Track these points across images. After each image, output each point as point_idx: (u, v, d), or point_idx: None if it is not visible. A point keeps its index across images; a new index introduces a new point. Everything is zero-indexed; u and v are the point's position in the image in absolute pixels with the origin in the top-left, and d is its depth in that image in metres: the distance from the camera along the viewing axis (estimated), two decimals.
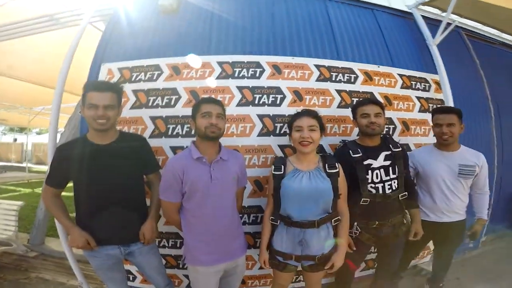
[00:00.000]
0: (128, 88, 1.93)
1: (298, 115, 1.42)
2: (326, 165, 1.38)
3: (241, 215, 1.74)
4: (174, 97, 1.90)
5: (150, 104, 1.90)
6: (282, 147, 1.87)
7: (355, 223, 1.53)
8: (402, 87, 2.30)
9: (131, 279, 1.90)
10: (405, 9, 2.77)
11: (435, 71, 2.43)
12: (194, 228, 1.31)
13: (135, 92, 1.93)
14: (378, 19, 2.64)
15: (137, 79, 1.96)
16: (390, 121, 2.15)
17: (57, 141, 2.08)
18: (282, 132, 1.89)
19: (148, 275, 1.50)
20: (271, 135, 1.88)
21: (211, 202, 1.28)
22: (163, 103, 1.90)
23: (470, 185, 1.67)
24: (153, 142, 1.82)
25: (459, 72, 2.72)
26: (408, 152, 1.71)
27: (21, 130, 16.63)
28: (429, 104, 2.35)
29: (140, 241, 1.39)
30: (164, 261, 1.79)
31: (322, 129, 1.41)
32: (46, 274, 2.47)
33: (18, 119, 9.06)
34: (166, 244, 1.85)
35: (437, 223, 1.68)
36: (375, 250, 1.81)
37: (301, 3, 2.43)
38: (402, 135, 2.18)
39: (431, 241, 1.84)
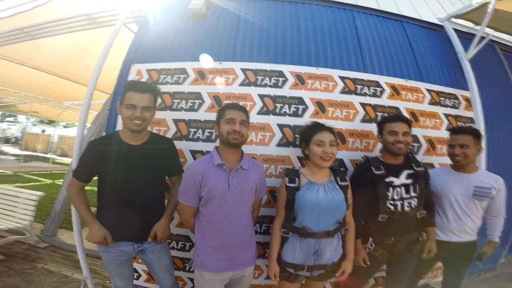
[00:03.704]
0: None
1: (317, 129, 1.42)
2: (338, 178, 1.44)
3: None
4: (197, 101, 1.94)
5: (174, 106, 1.95)
6: (301, 158, 1.84)
7: (370, 239, 1.55)
8: (430, 103, 2.21)
9: (135, 277, 1.90)
10: (436, 21, 2.68)
11: (465, 87, 2.32)
12: (206, 234, 1.31)
13: (161, 94, 1.99)
14: (407, 31, 2.58)
15: (164, 81, 2.03)
16: (415, 138, 2.06)
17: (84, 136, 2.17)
18: (303, 143, 1.85)
19: (156, 274, 1.51)
20: (291, 146, 1.85)
21: (227, 210, 1.28)
22: (187, 107, 1.94)
23: (485, 207, 1.65)
24: (175, 145, 1.87)
25: (492, 88, 2.59)
26: None
27: (50, 122, 17.71)
28: (458, 122, 2.24)
29: (150, 238, 1.40)
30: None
31: (337, 144, 1.46)
32: (52, 265, 2.54)
33: (48, 112, 9.68)
34: (175, 246, 1.86)
35: (447, 242, 1.65)
36: (385, 267, 1.75)
37: (327, 13, 2.43)
38: (427, 154, 2.08)
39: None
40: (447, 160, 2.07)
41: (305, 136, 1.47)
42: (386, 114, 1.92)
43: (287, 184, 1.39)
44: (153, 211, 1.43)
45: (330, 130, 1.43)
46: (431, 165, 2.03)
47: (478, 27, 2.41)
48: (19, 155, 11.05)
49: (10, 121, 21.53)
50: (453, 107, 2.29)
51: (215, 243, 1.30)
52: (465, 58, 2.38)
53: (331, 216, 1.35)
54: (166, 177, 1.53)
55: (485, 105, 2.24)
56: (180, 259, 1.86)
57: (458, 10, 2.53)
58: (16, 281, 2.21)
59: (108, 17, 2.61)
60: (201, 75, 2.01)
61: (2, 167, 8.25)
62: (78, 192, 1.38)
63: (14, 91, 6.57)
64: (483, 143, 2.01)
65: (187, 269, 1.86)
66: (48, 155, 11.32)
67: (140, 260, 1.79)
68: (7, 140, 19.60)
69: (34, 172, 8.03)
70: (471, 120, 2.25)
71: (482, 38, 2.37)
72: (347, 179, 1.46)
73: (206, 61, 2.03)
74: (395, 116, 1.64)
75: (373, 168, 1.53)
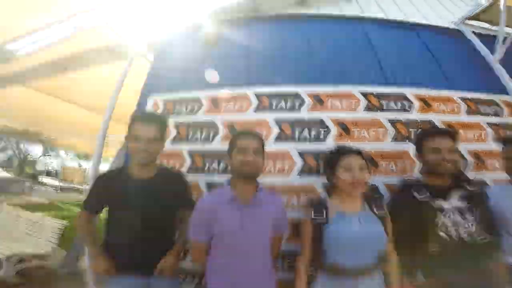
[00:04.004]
0: (170, 121, 1.97)
1: (344, 152, 1.27)
2: (373, 206, 1.24)
3: None
4: (212, 131, 1.88)
5: (189, 138, 1.91)
6: (328, 188, 1.64)
7: (419, 273, 1.28)
8: (468, 113, 1.96)
9: None
10: (450, 26, 2.53)
11: (503, 92, 2.07)
12: (216, 277, 1.16)
13: (176, 126, 1.97)
14: (423, 39, 2.43)
15: (179, 111, 2.01)
16: (459, 154, 1.78)
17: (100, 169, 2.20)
18: (329, 168, 1.68)
19: None
20: (314, 174, 1.68)
21: (239, 251, 1.13)
22: (202, 138, 1.88)
23: None
24: (190, 178, 1.79)
25: None
26: None
27: (86, 157, 19.21)
28: (505, 131, 1.95)
29: (157, 273, 1.30)
30: None
31: (368, 168, 1.28)
32: None
33: (84, 145, 10.44)
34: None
35: None
36: None
37: (338, 28, 2.37)
38: (476, 171, 1.79)
39: None
40: (503, 176, 1.81)
41: (330, 162, 1.31)
42: (429, 128, 1.70)
43: (314, 217, 1.22)
44: (161, 246, 1.34)
45: (359, 152, 1.26)
46: (484, 183, 1.73)
47: (495, 27, 2.29)
48: (57, 186, 11.92)
49: (50, 155, 23.71)
50: (496, 114, 2.02)
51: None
52: (494, 60, 2.18)
53: (369, 252, 1.16)
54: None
55: None
56: None
57: (469, 11, 2.42)
58: None
59: (126, 48, 2.75)
60: (215, 103, 1.96)
61: (41, 196, 8.86)
62: (85, 223, 1.37)
63: (53, 125, 7.18)
64: None
65: None
66: (83, 187, 12.07)
67: None
68: (48, 173, 21.54)
69: (69, 202, 8.52)
70: None
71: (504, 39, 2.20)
72: (384, 208, 1.26)
73: (230, 92, 2.00)
74: (437, 130, 1.45)
75: (414, 193, 1.31)
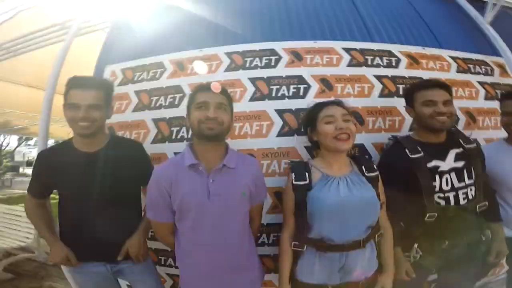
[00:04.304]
0: (130, 89, 1.74)
1: (323, 104, 1.11)
2: (363, 167, 1.10)
3: (258, 235, 1.38)
4: (178, 96, 1.64)
5: (152, 105, 1.67)
6: (310, 149, 1.48)
7: (415, 245, 1.18)
8: (458, 71, 1.85)
9: None
10: None
11: (493, 53, 2.01)
12: (188, 257, 0.99)
13: (137, 93, 1.73)
14: (410, 0, 2.29)
15: (140, 78, 1.76)
16: None
17: None
18: (309, 125, 1.52)
19: None
20: (295, 135, 1.49)
21: (210, 225, 0.95)
22: (167, 103, 1.65)
23: None
24: (157, 148, 1.58)
25: None
26: None
27: None
28: (496, 91, 1.86)
29: (120, 257, 1.17)
30: (171, 281, 1.53)
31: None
32: (59, 283, 2.50)
33: (59, 131, 9.80)
34: (173, 263, 1.52)
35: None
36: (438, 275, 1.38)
37: None
38: (468, 129, 1.68)
39: None
40: (493, 134, 1.73)
41: (309, 118, 1.15)
42: (420, 81, 1.55)
43: (294, 183, 1.06)
44: (123, 227, 1.19)
45: (339, 103, 1.10)
46: (476, 142, 1.63)
47: None
48: None
49: (29, 145, 22.64)
50: (487, 74, 1.93)
51: (201, 269, 0.97)
52: (484, 22, 2.11)
53: (360, 220, 1.03)
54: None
55: None
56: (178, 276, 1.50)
57: None
58: None
59: (84, 23, 2.44)
60: (180, 66, 1.73)
61: (23, 188, 8.51)
62: (34, 209, 1.22)
63: (21, 112, 6.65)
64: None
65: None
66: None
67: None
68: (29, 163, 20.68)
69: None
70: (511, 87, 1.87)
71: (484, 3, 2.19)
72: (376, 168, 1.12)
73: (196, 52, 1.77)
74: (430, 81, 1.27)
75: (407, 151, 1.15)
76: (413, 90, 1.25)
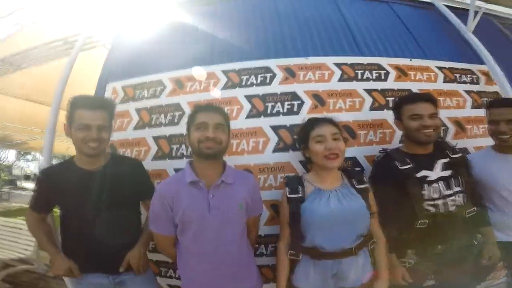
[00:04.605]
0: (131, 107, 1.81)
1: (314, 123, 1.17)
2: (353, 180, 1.17)
3: (256, 246, 1.43)
4: (177, 114, 1.71)
5: (153, 123, 1.74)
6: (304, 163, 1.54)
7: (410, 251, 1.24)
8: (445, 81, 1.92)
9: None
10: None
11: (478, 61, 2.06)
12: (190, 267, 1.05)
13: (138, 111, 1.79)
14: (397, 12, 2.40)
15: (140, 96, 1.83)
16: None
17: None
18: (302, 143, 1.58)
19: None
20: (290, 150, 1.56)
21: (210, 237, 1.02)
22: (167, 121, 1.72)
23: None
24: (157, 165, 1.64)
25: (502, 61, 2.23)
26: None
27: (64, 157, 18.44)
28: (483, 99, 1.92)
29: (123, 268, 1.21)
30: None
31: (344, 139, 1.20)
32: None
33: (57, 146, 9.81)
34: (173, 275, 1.56)
35: (507, 242, 1.33)
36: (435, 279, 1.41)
37: (309, 2, 2.26)
38: (457, 137, 1.74)
39: None
40: (482, 142, 1.77)
41: (302, 135, 1.22)
42: (407, 94, 1.65)
43: (289, 196, 1.13)
44: (124, 239, 1.24)
45: (330, 121, 1.16)
46: (465, 150, 1.69)
47: (467, 1, 2.33)
48: None
49: (27, 159, 22.66)
50: (473, 82, 1.99)
51: (202, 278, 1.03)
52: (468, 31, 2.17)
53: (350, 230, 1.09)
54: None
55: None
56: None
57: None
58: None
59: (86, 39, 2.52)
60: (179, 84, 1.79)
61: (21, 201, 8.64)
62: (36, 224, 1.27)
63: (20, 127, 6.66)
64: None
65: None
66: None
67: None
68: (26, 177, 20.65)
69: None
70: (497, 94, 1.95)
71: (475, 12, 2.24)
72: (366, 180, 1.19)
73: (195, 71, 1.84)
74: (415, 95, 1.37)
75: (396, 163, 1.22)
76: (400, 104, 1.32)
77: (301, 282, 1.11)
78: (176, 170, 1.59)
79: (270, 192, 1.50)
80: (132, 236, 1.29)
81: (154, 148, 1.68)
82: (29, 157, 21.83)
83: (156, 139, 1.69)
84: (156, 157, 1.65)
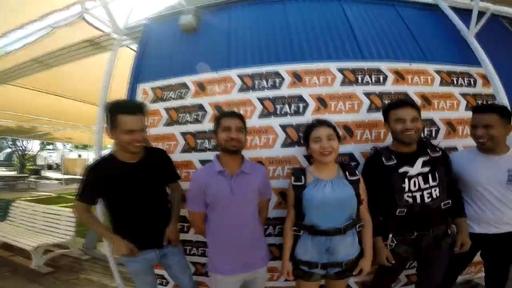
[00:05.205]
0: (160, 106, 2.12)
1: (313, 126, 1.42)
2: (347, 172, 1.39)
3: (266, 227, 1.75)
4: (201, 113, 2.01)
5: (180, 120, 2.05)
6: (308, 157, 1.81)
7: (391, 235, 1.45)
8: (441, 84, 2.06)
9: (164, 283, 2.01)
10: (430, 1, 2.54)
11: (478, 64, 2.14)
12: (216, 238, 1.37)
13: (167, 110, 2.11)
14: (401, 14, 2.48)
15: (168, 97, 2.13)
16: (431, 122, 1.93)
17: None
18: (305, 141, 1.84)
19: (177, 277, 1.59)
20: (296, 146, 1.84)
21: (232, 213, 1.33)
22: (192, 119, 2.02)
23: None
24: (185, 157, 1.97)
25: (508, 61, 2.32)
26: None
27: (84, 147, 19.42)
28: (478, 101, 2.05)
29: (166, 242, 1.49)
30: (194, 268, 1.90)
31: (339, 137, 1.42)
32: (93, 276, 2.80)
33: (80, 137, 10.55)
34: (196, 252, 1.93)
35: (484, 235, 1.49)
36: (416, 264, 1.66)
37: (316, 7, 2.41)
38: (448, 138, 1.93)
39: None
40: (473, 142, 1.89)
41: (304, 136, 1.48)
42: (393, 100, 1.80)
43: (293, 183, 1.40)
44: (162, 217, 1.52)
45: (326, 123, 1.41)
46: (455, 149, 1.88)
47: (473, 2, 2.28)
48: (61, 179, 12.18)
49: (49, 149, 23.89)
50: (469, 85, 2.10)
51: (225, 246, 1.35)
52: (469, 34, 2.24)
53: (340, 213, 1.33)
54: None
55: (504, 80, 2.04)
56: (202, 264, 1.93)
57: None
58: None
59: (109, 40, 2.82)
60: (201, 87, 2.08)
61: (48, 190, 9.19)
62: (88, 213, 1.43)
63: (46, 119, 7.26)
64: None
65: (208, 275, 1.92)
66: None
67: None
68: (49, 167, 21.84)
69: (75, 193, 8.87)
70: (492, 97, 2.06)
71: (482, 13, 2.27)
72: (357, 173, 1.41)
73: (203, 71, 2.10)
74: (399, 101, 1.52)
75: (383, 159, 1.44)
76: (387, 109, 1.50)
77: (301, 254, 1.37)
78: (201, 161, 1.92)
79: (278, 181, 1.80)
80: (167, 214, 1.54)
81: (182, 143, 2.00)
82: (49, 147, 22.95)
83: (183, 134, 2.01)
84: (184, 150, 1.98)
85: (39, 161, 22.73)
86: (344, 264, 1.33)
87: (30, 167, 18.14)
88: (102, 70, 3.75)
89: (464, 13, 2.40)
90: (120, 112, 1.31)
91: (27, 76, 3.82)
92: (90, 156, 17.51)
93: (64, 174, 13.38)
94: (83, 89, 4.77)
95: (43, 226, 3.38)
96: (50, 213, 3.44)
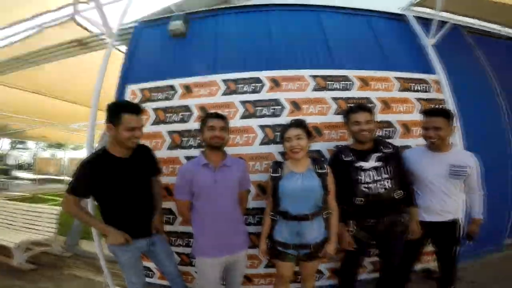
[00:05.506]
0: (149, 106, 2.26)
1: (286, 127, 1.62)
2: (316, 166, 1.58)
3: (246, 216, 1.96)
4: (187, 114, 2.19)
5: (167, 120, 2.21)
6: (283, 154, 2.06)
7: (351, 221, 1.66)
8: (400, 90, 2.35)
9: (150, 275, 2.15)
10: (398, 11, 2.79)
11: (435, 72, 2.44)
12: (201, 223, 1.55)
13: (155, 110, 2.26)
14: (372, 24, 2.72)
15: (156, 98, 2.28)
16: (389, 124, 2.23)
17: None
18: (282, 141, 2.07)
19: (163, 264, 1.71)
20: (272, 144, 2.09)
21: (215, 201, 1.51)
22: (178, 119, 2.19)
23: (462, 185, 1.70)
24: (172, 153, 2.14)
25: (463, 70, 2.70)
26: None
27: (59, 146, 18.47)
28: (431, 105, 2.34)
29: (155, 230, 1.63)
30: (179, 259, 2.06)
31: (310, 135, 1.60)
32: (77, 271, 2.82)
33: (57, 135, 10.12)
34: (181, 243, 2.09)
35: (432, 223, 1.70)
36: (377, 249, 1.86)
37: (296, 17, 2.64)
38: (403, 138, 2.21)
39: None
40: (423, 141, 2.12)
41: (281, 135, 1.68)
42: (351, 106, 2.02)
43: (271, 175, 1.61)
44: (150, 207, 1.65)
45: (296, 125, 1.59)
46: (409, 147, 2.11)
47: (444, 14, 2.54)
48: (34, 179, 11.60)
49: (20, 148, 22.41)
50: (424, 91, 2.40)
51: (209, 231, 1.53)
52: (428, 43, 2.52)
53: (307, 201, 1.52)
54: None
55: (458, 86, 2.36)
56: (186, 255, 2.10)
57: None
58: (49, 285, 2.52)
59: (98, 41, 2.89)
60: (188, 89, 2.25)
61: (20, 190, 8.77)
62: (76, 206, 1.46)
63: (22, 117, 6.95)
64: (458, 122, 2.13)
65: (193, 264, 2.09)
66: (61, 177, 11.84)
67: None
68: (20, 167, 20.49)
69: (51, 193, 8.50)
70: (443, 101, 2.36)
71: (443, 22, 2.52)
72: (326, 167, 1.59)
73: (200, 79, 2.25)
74: (357, 106, 1.76)
75: (342, 156, 1.69)
76: (347, 113, 1.74)
77: (278, 236, 1.57)
78: (187, 158, 2.10)
79: (256, 175, 2.03)
80: (152, 206, 1.65)
81: (168, 140, 2.17)
82: (20, 146, 21.55)
83: (170, 133, 2.17)
84: (170, 147, 2.15)
85: (9, 161, 21.29)
86: (312, 246, 1.51)
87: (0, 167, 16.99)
88: (82, 68, 3.78)
89: (430, 23, 2.61)
90: (125, 111, 1.44)
91: (5, 73, 3.74)
92: (66, 155, 16.78)
93: (37, 174, 12.71)
94: (62, 87, 4.71)
95: (24, 224, 3.35)
96: (31, 211, 3.41)
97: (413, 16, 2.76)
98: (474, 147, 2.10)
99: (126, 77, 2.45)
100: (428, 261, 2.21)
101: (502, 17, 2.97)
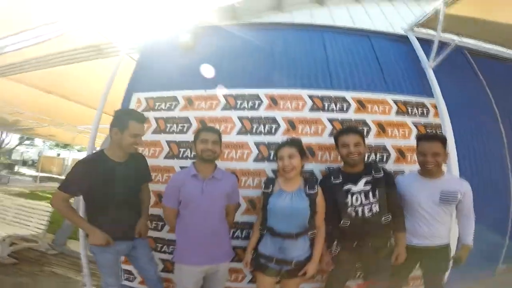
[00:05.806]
0: (151, 115, 2.34)
1: (280, 146, 1.67)
2: (307, 186, 1.60)
3: (234, 230, 1.98)
4: (186, 125, 2.26)
5: (167, 130, 2.28)
6: (275, 172, 2.07)
7: (335, 242, 1.67)
8: (397, 113, 2.33)
9: (130, 279, 2.12)
10: (402, 32, 2.77)
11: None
12: (185, 231, 1.59)
13: (156, 119, 2.34)
14: (374, 45, 2.71)
15: (159, 108, 2.37)
16: (383, 148, 2.21)
17: None
18: (275, 158, 2.10)
19: (144, 268, 1.73)
20: (266, 161, 2.12)
21: (201, 212, 1.55)
22: (178, 130, 2.27)
23: (453, 211, 1.71)
24: (168, 162, 2.19)
25: (464, 93, 2.65)
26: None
27: (65, 146, 18.80)
28: (428, 130, 2.29)
29: (138, 235, 1.67)
30: (162, 265, 2.06)
31: (304, 155, 1.63)
32: (58, 269, 2.86)
33: (63, 136, 10.32)
34: (167, 250, 2.08)
35: (420, 248, 1.69)
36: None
37: (300, 36, 2.72)
38: (397, 163, 2.19)
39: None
40: (417, 167, 2.09)
41: (275, 153, 1.74)
42: (340, 128, 2.08)
43: (263, 191, 1.66)
44: (136, 212, 1.71)
45: (290, 143, 1.63)
46: (402, 173, 2.11)
47: (446, 35, 2.48)
48: (35, 176, 11.73)
49: (27, 145, 22.82)
50: (422, 115, 2.34)
51: (192, 239, 1.56)
52: (428, 66, 2.44)
53: (293, 221, 1.55)
54: None
55: (457, 110, 2.32)
56: (170, 262, 2.06)
57: (417, 18, 2.62)
58: (26, 280, 2.54)
59: (113, 48, 3.04)
60: (190, 102, 2.34)
61: (20, 186, 8.96)
62: (67, 204, 1.51)
63: (32, 114, 7.16)
64: (454, 148, 2.10)
65: None
66: (63, 177, 11.95)
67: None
68: (24, 163, 20.80)
69: (50, 191, 8.59)
70: (441, 126, 2.28)
71: (444, 44, 2.46)
72: (316, 187, 1.61)
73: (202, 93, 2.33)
74: (346, 129, 1.80)
75: (332, 178, 1.70)
76: (337, 135, 1.76)
77: (262, 248, 1.60)
78: (182, 167, 2.14)
79: (248, 190, 2.05)
80: (139, 211, 1.72)
81: (166, 149, 2.23)
82: (27, 142, 21.96)
83: (168, 142, 2.24)
84: (167, 157, 2.20)
85: (15, 156, 21.67)
86: (294, 264, 1.52)
87: (5, 161, 17.27)
88: (97, 73, 3.94)
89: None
90: (133, 119, 1.57)
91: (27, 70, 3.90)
92: (70, 156, 17.00)
93: (40, 171, 12.86)
94: (76, 89, 4.88)
95: (14, 218, 3.41)
96: (25, 207, 3.47)
97: (416, 37, 2.69)
98: (470, 171, 2.11)
99: (134, 85, 2.55)
100: (417, 286, 2.11)
101: (506, 38, 2.83)
